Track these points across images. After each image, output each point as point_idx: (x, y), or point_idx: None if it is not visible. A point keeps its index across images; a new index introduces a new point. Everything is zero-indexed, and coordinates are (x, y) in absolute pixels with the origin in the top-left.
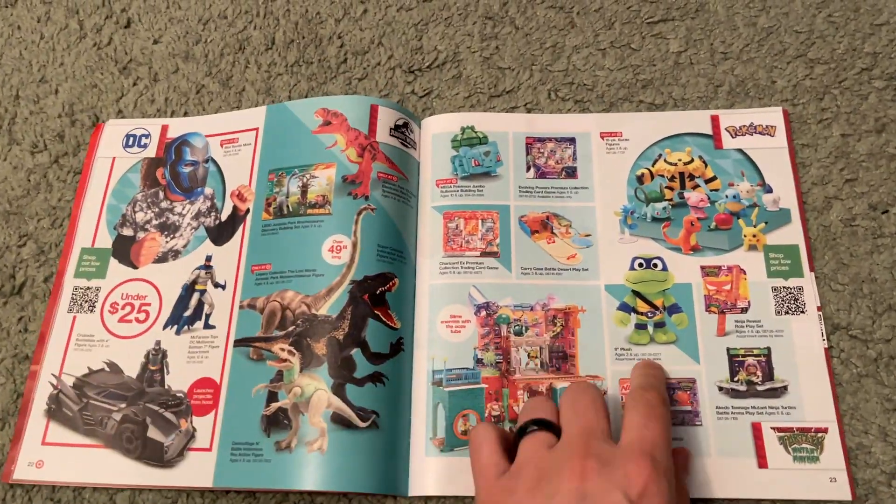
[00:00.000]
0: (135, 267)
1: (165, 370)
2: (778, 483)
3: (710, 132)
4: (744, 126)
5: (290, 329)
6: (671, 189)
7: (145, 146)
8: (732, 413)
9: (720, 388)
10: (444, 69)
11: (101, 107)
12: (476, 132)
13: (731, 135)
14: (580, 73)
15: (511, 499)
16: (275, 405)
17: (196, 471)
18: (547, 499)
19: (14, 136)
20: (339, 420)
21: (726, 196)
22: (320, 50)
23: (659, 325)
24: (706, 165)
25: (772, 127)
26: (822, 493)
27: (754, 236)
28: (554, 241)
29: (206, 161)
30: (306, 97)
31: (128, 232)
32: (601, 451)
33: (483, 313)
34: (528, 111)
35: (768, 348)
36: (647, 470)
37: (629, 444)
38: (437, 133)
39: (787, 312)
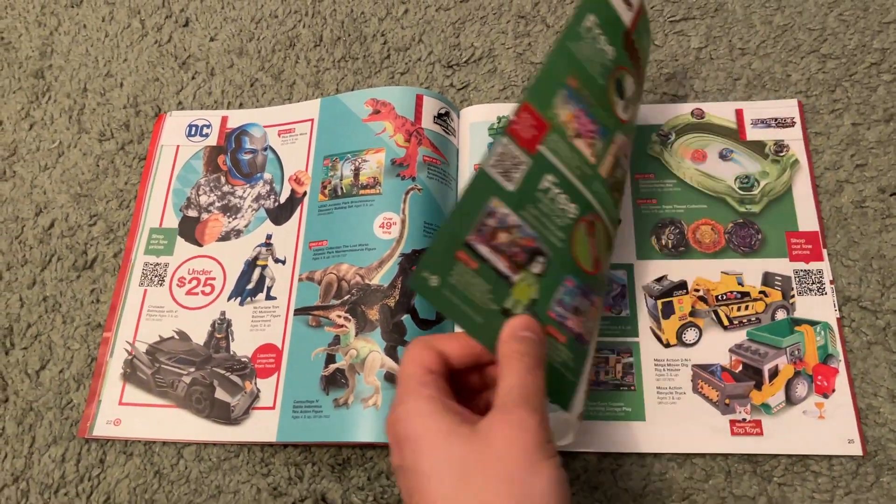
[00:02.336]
0: (200, 245)
1: (230, 338)
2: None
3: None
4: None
5: (346, 298)
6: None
7: (207, 135)
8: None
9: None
10: (481, 64)
11: (162, 99)
12: None
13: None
14: None
15: None
16: (333, 366)
17: (260, 427)
18: None
19: (83, 126)
20: (391, 378)
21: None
22: (365, 46)
23: None
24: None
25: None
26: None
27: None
28: None
29: (265, 149)
30: (353, 90)
31: (192, 213)
32: None
33: None
34: None
35: None
36: (390, 416)
37: None
38: (474, 122)
39: None
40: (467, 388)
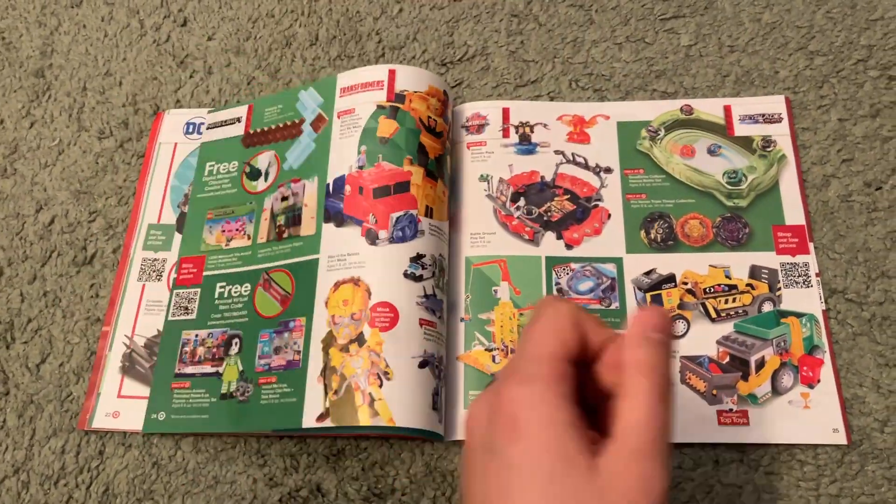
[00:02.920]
0: None
1: None
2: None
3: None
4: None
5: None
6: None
7: (203, 133)
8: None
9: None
10: (474, 62)
11: (160, 97)
12: None
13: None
14: (598, 65)
15: None
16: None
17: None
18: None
19: (83, 124)
20: None
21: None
22: (360, 45)
23: None
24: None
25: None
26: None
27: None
28: None
29: None
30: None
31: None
32: (484, 394)
33: None
34: (551, 99)
35: None
36: (507, 391)
37: (510, 363)
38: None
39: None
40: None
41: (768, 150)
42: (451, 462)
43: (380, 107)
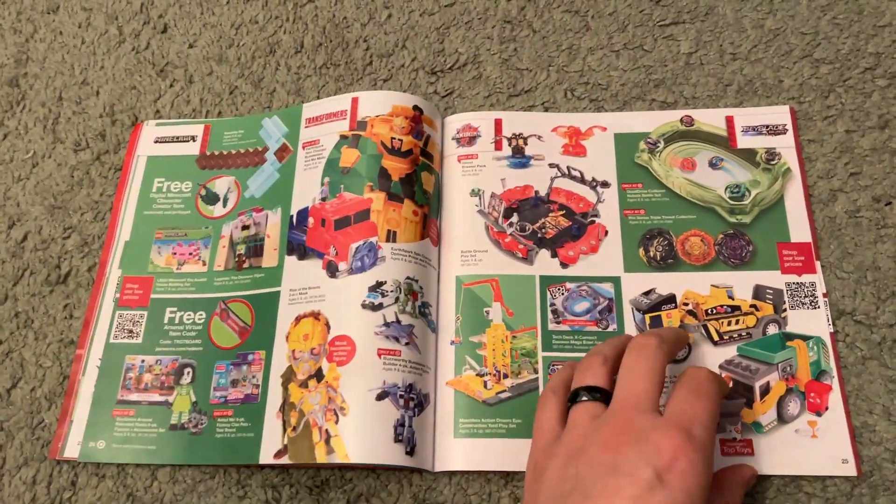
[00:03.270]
0: None
1: None
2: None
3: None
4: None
5: None
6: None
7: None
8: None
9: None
10: (465, 70)
11: (139, 107)
12: None
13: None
14: (595, 74)
15: (551, 463)
16: None
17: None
18: (579, 468)
19: (58, 135)
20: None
21: None
22: (347, 53)
23: None
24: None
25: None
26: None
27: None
28: None
29: None
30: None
31: None
32: (640, 424)
33: None
34: (546, 110)
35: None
36: (678, 442)
37: (668, 418)
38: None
39: None
40: None
41: (772, 163)
42: (439, 494)
43: (342, 137)
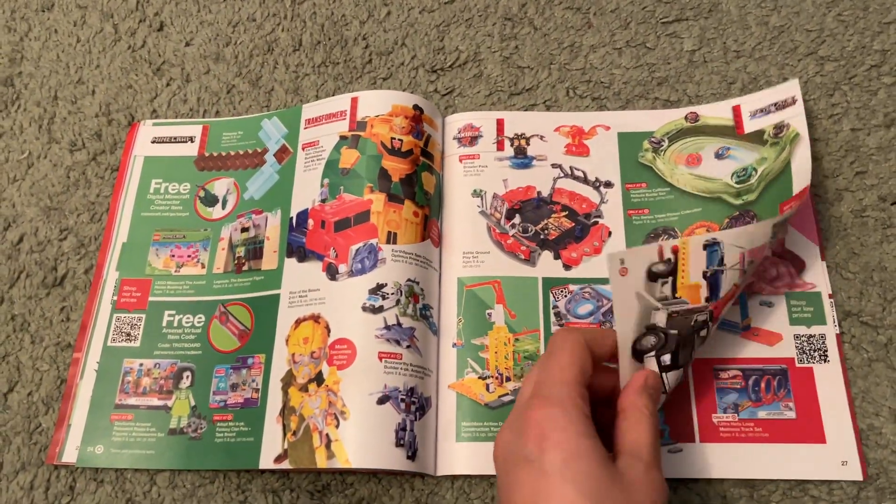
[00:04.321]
0: None
1: None
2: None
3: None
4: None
5: None
6: None
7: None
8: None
9: None
10: (466, 68)
11: (136, 106)
12: None
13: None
14: (597, 72)
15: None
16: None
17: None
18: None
19: (53, 136)
20: None
21: None
22: (346, 51)
23: None
24: None
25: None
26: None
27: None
28: None
29: None
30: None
31: None
32: (520, 409)
33: None
34: (547, 108)
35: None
36: (535, 408)
37: (530, 390)
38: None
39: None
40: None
41: (780, 135)
42: (442, 498)
43: (342, 137)
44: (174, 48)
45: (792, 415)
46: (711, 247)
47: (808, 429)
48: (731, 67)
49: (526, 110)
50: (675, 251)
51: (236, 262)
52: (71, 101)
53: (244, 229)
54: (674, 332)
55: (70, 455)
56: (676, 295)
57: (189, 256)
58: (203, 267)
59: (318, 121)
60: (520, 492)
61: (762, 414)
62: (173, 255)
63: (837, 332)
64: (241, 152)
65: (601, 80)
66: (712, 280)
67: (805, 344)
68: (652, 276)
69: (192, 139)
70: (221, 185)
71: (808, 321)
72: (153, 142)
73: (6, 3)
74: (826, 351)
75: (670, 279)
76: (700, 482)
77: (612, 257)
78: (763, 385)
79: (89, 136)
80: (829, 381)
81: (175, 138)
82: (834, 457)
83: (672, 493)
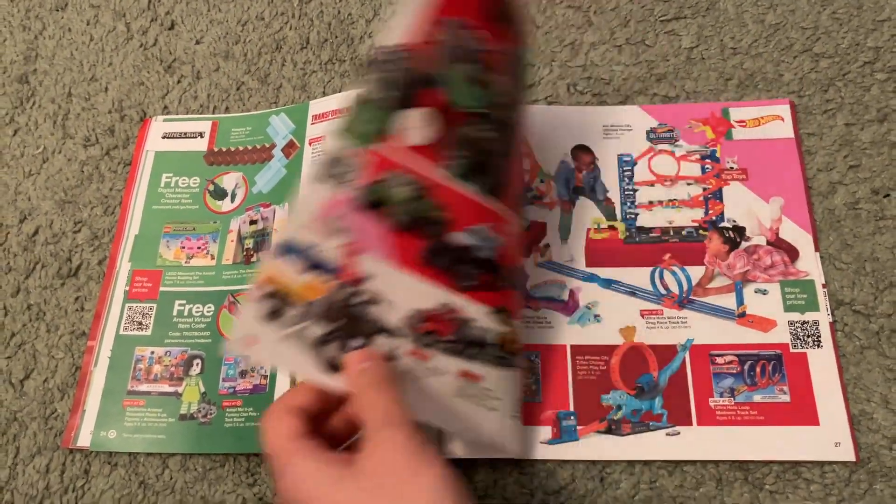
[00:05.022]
0: None
1: None
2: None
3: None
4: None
5: None
6: None
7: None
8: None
9: None
10: None
11: (147, 103)
12: None
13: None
14: (597, 69)
15: None
16: None
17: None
18: None
19: (68, 131)
20: None
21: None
22: (352, 49)
23: None
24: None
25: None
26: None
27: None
28: None
29: None
30: (339, 93)
31: None
32: None
33: None
34: (549, 104)
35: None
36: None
37: None
38: None
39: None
40: (337, 439)
41: None
42: None
43: None
44: (185, 46)
45: (786, 398)
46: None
47: (802, 411)
48: (727, 64)
49: (527, 105)
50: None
51: (245, 253)
52: (84, 97)
53: (252, 222)
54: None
55: (84, 439)
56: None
57: (199, 248)
58: (213, 258)
59: (325, 116)
60: None
61: (757, 398)
62: (183, 247)
63: (831, 320)
64: (250, 147)
65: (601, 76)
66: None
67: (799, 330)
68: (270, 317)
69: (201, 135)
70: (230, 180)
71: (801, 308)
72: (164, 137)
73: (21, 2)
74: (819, 337)
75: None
76: (696, 464)
77: (233, 344)
78: (758, 370)
79: (102, 132)
80: (823, 366)
81: (185, 134)
82: (827, 438)
83: (668, 475)
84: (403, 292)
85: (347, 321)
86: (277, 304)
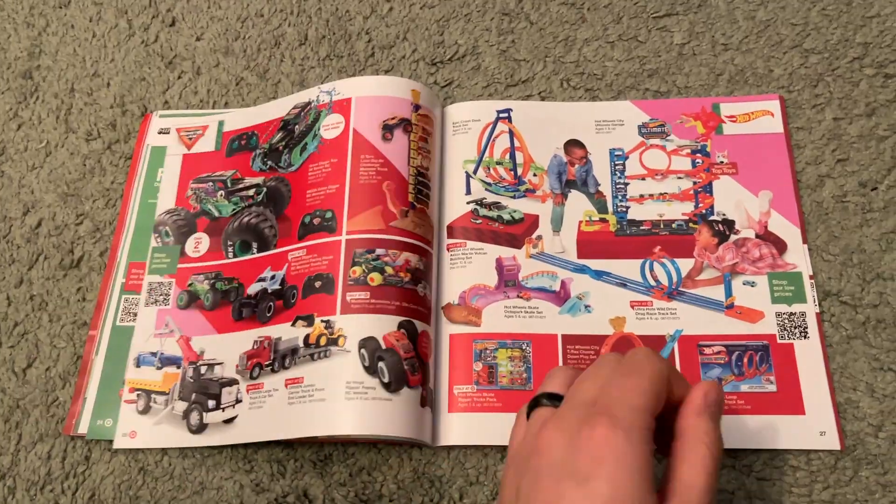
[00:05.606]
0: None
1: None
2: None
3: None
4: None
5: None
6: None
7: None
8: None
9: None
10: (465, 61)
11: (148, 98)
12: None
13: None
14: (590, 64)
15: (506, 473)
16: None
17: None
18: (522, 479)
19: (70, 126)
20: None
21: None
22: (349, 45)
23: None
24: None
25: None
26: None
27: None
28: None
29: None
30: None
31: None
32: (571, 419)
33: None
34: (542, 99)
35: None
36: (601, 429)
37: (595, 405)
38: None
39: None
40: None
41: None
42: (438, 468)
43: None
44: (185, 42)
45: (773, 388)
46: None
47: (788, 401)
48: (718, 60)
49: (521, 101)
50: None
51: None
52: (87, 92)
53: None
54: None
55: (85, 427)
56: None
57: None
58: None
59: None
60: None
61: (744, 387)
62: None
63: (817, 311)
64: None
65: (594, 72)
66: None
67: (786, 321)
68: (143, 412)
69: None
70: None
71: (789, 300)
72: (159, 132)
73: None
74: (806, 328)
75: None
76: None
77: (118, 441)
78: (746, 360)
79: (104, 126)
80: (809, 357)
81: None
82: (813, 427)
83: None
84: (229, 348)
85: (199, 390)
86: (146, 400)
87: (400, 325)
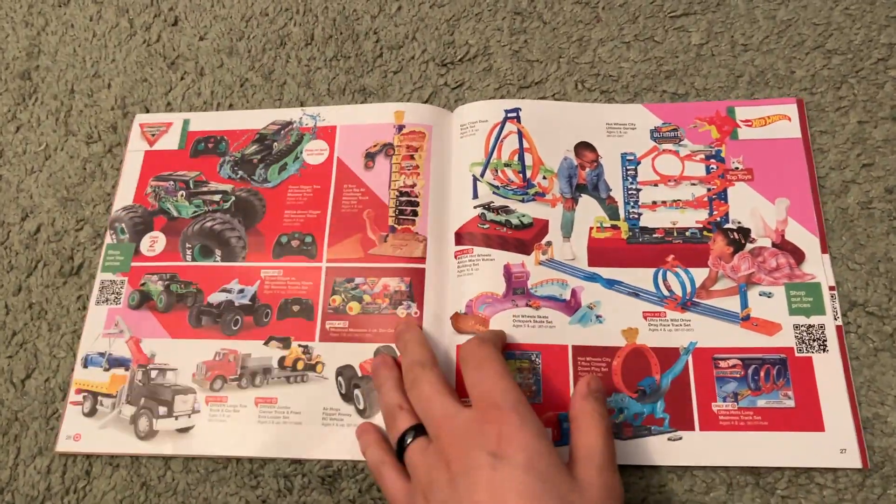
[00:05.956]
0: None
1: None
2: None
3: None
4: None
5: None
6: None
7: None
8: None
9: None
10: (476, 62)
11: (150, 100)
12: None
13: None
14: (606, 65)
15: None
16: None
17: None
18: (438, 497)
19: (70, 128)
20: None
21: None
22: (357, 45)
23: None
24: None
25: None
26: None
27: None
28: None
29: None
30: (344, 90)
31: None
32: (460, 426)
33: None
34: (556, 100)
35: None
36: (492, 417)
37: (475, 405)
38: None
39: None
40: None
41: None
42: None
43: None
44: (188, 42)
45: (791, 403)
46: None
47: (807, 417)
48: (738, 61)
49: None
50: None
51: None
52: (87, 94)
53: None
54: None
55: (62, 445)
56: None
57: None
58: None
59: None
60: (481, 484)
61: (761, 403)
62: None
63: (838, 323)
64: None
65: (609, 73)
66: None
67: (804, 334)
68: (89, 414)
69: None
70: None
71: (807, 311)
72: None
73: None
74: (825, 341)
75: None
76: (706, 469)
77: (61, 443)
78: (762, 374)
79: (105, 129)
80: (829, 371)
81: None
82: (833, 445)
83: (676, 479)
84: (182, 355)
85: (150, 395)
86: (92, 401)
87: (376, 352)
